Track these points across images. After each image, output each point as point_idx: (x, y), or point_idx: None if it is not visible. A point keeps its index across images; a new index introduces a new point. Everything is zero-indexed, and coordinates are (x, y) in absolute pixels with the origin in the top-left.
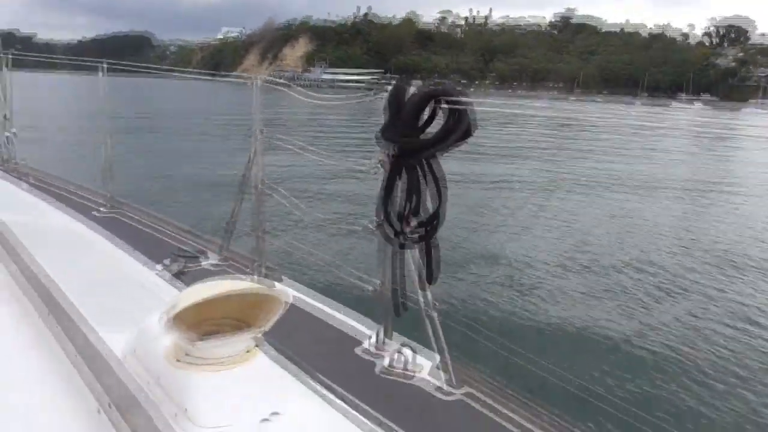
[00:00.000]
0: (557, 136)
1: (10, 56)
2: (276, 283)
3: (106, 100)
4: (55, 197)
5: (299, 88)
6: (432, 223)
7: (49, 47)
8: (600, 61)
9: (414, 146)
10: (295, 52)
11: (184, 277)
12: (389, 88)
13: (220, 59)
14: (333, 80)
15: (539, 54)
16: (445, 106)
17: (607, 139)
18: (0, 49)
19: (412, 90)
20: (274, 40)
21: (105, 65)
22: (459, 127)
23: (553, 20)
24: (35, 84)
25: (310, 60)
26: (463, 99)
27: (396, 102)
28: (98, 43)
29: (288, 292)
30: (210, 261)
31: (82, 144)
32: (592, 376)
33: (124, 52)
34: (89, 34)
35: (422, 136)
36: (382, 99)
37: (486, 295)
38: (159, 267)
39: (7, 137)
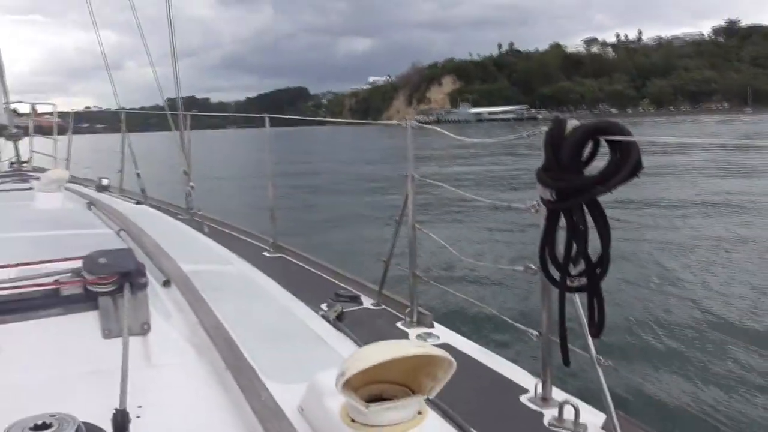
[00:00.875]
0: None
1: (189, 116)
2: (436, 333)
3: (270, 151)
4: (227, 243)
5: (439, 129)
6: (599, 267)
7: (221, 107)
8: None
9: (575, 187)
10: (441, 91)
11: (344, 321)
12: (542, 124)
13: (369, 104)
14: (479, 116)
15: (701, 64)
16: (607, 140)
17: None
18: (182, 111)
19: (570, 126)
20: (420, 82)
21: (267, 119)
22: (627, 164)
23: (713, 32)
24: (209, 140)
25: (454, 98)
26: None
27: (554, 140)
28: (262, 99)
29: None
30: (366, 305)
31: (248, 191)
32: None
33: (283, 104)
34: (254, 92)
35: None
36: (536, 135)
37: (656, 346)
38: (321, 310)
39: (187, 190)
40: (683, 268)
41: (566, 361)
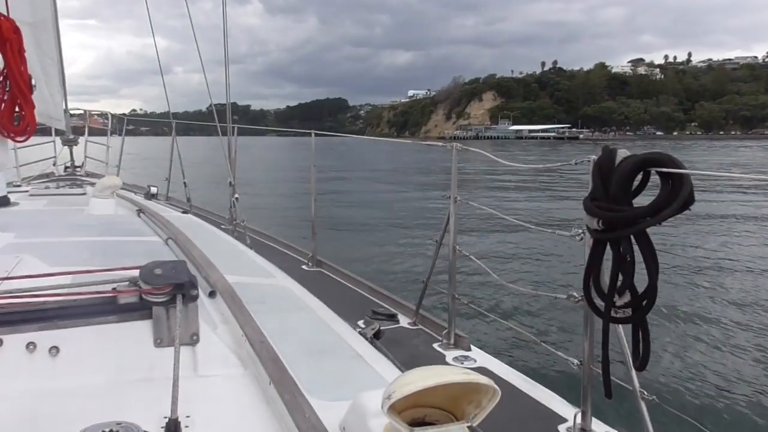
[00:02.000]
0: None
1: (236, 127)
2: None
3: (314, 166)
4: (267, 254)
5: (486, 153)
6: (646, 299)
7: (262, 114)
8: None
9: (624, 218)
10: (481, 107)
11: (381, 339)
12: (583, 144)
13: (408, 117)
14: (519, 133)
15: (755, 88)
16: (658, 171)
17: None
18: (230, 121)
19: (620, 156)
20: (460, 97)
21: (313, 135)
22: (678, 197)
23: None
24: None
25: (494, 115)
26: (680, 170)
27: (603, 170)
28: (302, 108)
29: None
30: (403, 324)
31: (290, 202)
32: None
33: (323, 114)
34: (295, 101)
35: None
36: (582, 163)
37: (706, 380)
38: (358, 326)
39: (232, 201)
40: (738, 296)
41: (608, 393)
